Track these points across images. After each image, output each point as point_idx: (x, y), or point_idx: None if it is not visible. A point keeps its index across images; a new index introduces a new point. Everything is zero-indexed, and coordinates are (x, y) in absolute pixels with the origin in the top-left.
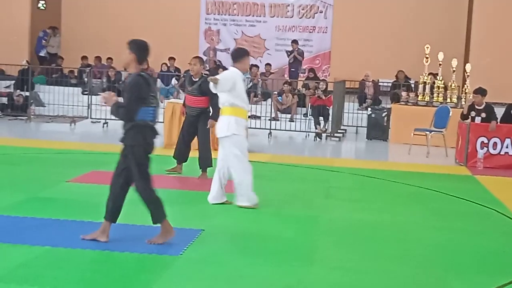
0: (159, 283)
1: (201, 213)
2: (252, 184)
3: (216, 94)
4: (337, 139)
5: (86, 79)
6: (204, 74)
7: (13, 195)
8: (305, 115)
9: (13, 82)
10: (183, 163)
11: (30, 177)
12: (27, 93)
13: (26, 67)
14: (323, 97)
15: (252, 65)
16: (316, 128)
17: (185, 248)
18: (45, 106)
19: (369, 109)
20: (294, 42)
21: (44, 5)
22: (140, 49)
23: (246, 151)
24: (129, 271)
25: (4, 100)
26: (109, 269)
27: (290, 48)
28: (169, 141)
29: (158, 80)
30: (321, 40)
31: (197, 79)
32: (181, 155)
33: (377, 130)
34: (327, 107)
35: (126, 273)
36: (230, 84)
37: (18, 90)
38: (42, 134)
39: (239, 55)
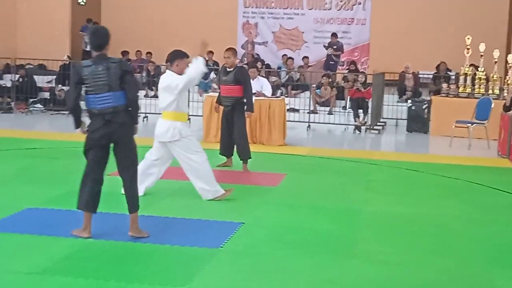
0: (200, 275)
1: (241, 206)
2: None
3: (250, 84)
4: (377, 131)
5: None
6: (238, 64)
7: (55, 188)
8: (344, 107)
9: (54, 77)
10: (231, 156)
11: (71, 171)
12: (69, 88)
13: (67, 62)
14: (362, 90)
15: (288, 58)
16: (355, 121)
17: (225, 241)
18: None
19: (409, 101)
20: (334, 35)
21: (84, 1)
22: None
23: (198, 147)
24: (171, 264)
25: (46, 95)
26: (150, 262)
27: (328, 41)
28: (208, 135)
29: None
30: (360, 32)
31: (231, 69)
32: (227, 150)
33: (418, 122)
34: (366, 100)
35: (168, 265)
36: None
37: (60, 85)
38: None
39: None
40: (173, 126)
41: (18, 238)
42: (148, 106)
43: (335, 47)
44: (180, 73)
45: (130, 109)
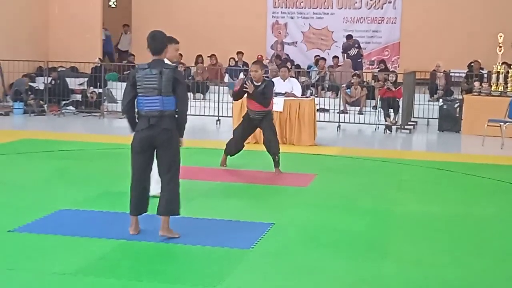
0: (232, 276)
1: (272, 206)
2: None
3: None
4: (408, 131)
5: None
6: (265, 77)
7: (88, 189)
8: (375, 107)
9: (86, 79)
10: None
11: (104, 172)
12: (100, 90)
13: (99, 64)
14: (393, 89)
15: (319, 58)
16: (386, 121)
17: (256, 241)
18: (117, 103)
19: (441, 100)
20: (349, 37)
21: (115, 3)
22: None
23: None
24: (202, 264)
25: (78, 97)
26: (182, 262)
27: (345, 42)
28: None
29: (226, 74)
30: (390, 31)
31: (259, 84)
32: (232, 151)
33: (449, 121)
34: (397, 99)
35: (199, 266)
36: None
37: (92, 87)
38: (114, 129)
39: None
40: None
41: (53, 239)
42: None
43: (356, 45)
44: (170, 59)
45: (177, 116)
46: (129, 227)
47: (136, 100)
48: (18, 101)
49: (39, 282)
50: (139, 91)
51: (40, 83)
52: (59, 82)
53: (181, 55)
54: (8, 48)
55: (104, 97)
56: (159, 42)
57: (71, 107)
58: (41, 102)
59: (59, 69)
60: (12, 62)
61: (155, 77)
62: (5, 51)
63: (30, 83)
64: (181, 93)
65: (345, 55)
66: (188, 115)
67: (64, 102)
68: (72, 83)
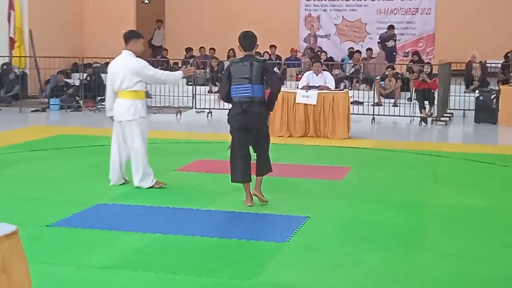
0: (267, 269)
1: (307, 200)
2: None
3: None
4: (444, 123)
5: None
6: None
7: (125, 184)
8: (410, 99)
9: None
10: None
11: None
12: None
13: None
14: (428, 81)
15: (354, 51)
16: (421, 113)
17: (291, 235)
18: (151, 98)
19: (477, 91)
20: (390, 27)
21: None
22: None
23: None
24: (238, 257)
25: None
26: (218, 256)
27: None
28: (272, 129)
29: None
30: (425, 22)
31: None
32: None
33: (486, 112)
34: (432, 91)
35: (235, 259)
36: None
37: None
38: (149, 124)
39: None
40: (134, 104)
41: (90, 233)
42: (212, 101)
43: (394, 38)
44: (136, 52)
45: (269, 94)
46: (244, 200)
47: (230, 88)
48: (55, 97)
49: (77, 276)
50: (233, 81)
51: (75, 79)
52: (94, 78)
53: (214, 49)
54: (44, 45)
55: None
56: (251, 40)
57: None
58: (77, 98)
59: (94, 65)
60: (48, 59)
61: (246, 69)
62: (41, 48)
63: (65, 80)
64: (271, 78)
65: (381, 45)
66: (220, 109)
67: (99, 98)
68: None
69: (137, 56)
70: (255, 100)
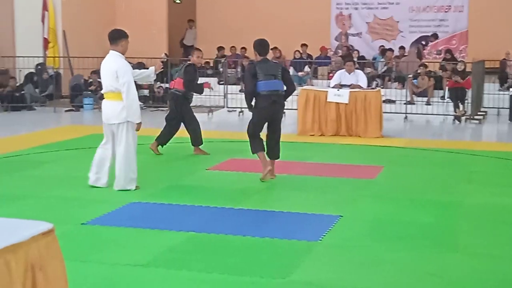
0: (300, 268)
1: (339, 199)
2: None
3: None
4: (477, 121)
5: (221, 70)
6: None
7: (157, 182)
8: (443, 97)
9: None
10: None
11: (172, 166)
12: (167, 85)
13: (165, 59)
14: (461, 81)
15: (386, 49)
16: (454, 111)
17: (324, 234)
18: None
19: (511, 89)
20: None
21: None
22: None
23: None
24: (270, 256)
25: (146, 92)
26: (250, 254)
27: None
28: (303, 128)
29: (291, 67)
30: (457, 19)
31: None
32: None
33: None
34: (466, 89)
35: (267, 258)
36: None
37: (158, 82)
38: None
39: (116, 37)
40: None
41: (124, 231)
42: (243, 101)
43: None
44: (123, 53)
45: (286, 92)
46: (263, 172)
47: (256, 84)
48: (88, 97)
49: (112, 274)
50: (260, 77)
51: None
52: None
53: (245, 48)
54: (77, 45)
55: None
56: (265, 47)
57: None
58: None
59: None
60: (82, 59)
61: (272, 67)
62: (74, 48)
63: (98, 80)
64: (290, 78)
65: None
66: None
67: None
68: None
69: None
70: (280, 93)
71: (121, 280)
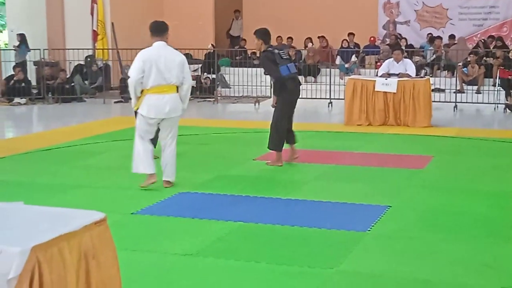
0: (349, 258)
1: (388, 189)
2: None
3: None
4: None
5: None
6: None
7: (205, 173)
8: (494, 85)
9: (200, 65)
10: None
11: (220, 156)
12: (214, 76)
13: (212, 50)
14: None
15: (435, 37)
16: (506, 100)
17: (373, 224)
18: (230, 88)
19: None
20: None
21: None
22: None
23: None
24: (319, 247)
25: (193, 83)
26: (298, 244)
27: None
28: (351, 118)
29: (338, 56)
30: (509, 6)
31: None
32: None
33: None
34: None
35: (316, 248)
36: None
37: (205, 73)
38: (228, 114)
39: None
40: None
41: (173, 221)
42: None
43: None
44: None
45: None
46: (277, 161)
47: (280, 69)
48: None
49: (162, 262)
50: (281, 62)
51: None
52: None
53: (291, 38)
54: (126, 37)
55: (218, 83)
56: (269, 35)
57: None
58: None
59: None
60: (130, 51)
61: (285, 53)
62: (122, 40)
63: None
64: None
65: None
66: (300, 98)
67: None
68: None
69: None
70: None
71: (170, 268)
